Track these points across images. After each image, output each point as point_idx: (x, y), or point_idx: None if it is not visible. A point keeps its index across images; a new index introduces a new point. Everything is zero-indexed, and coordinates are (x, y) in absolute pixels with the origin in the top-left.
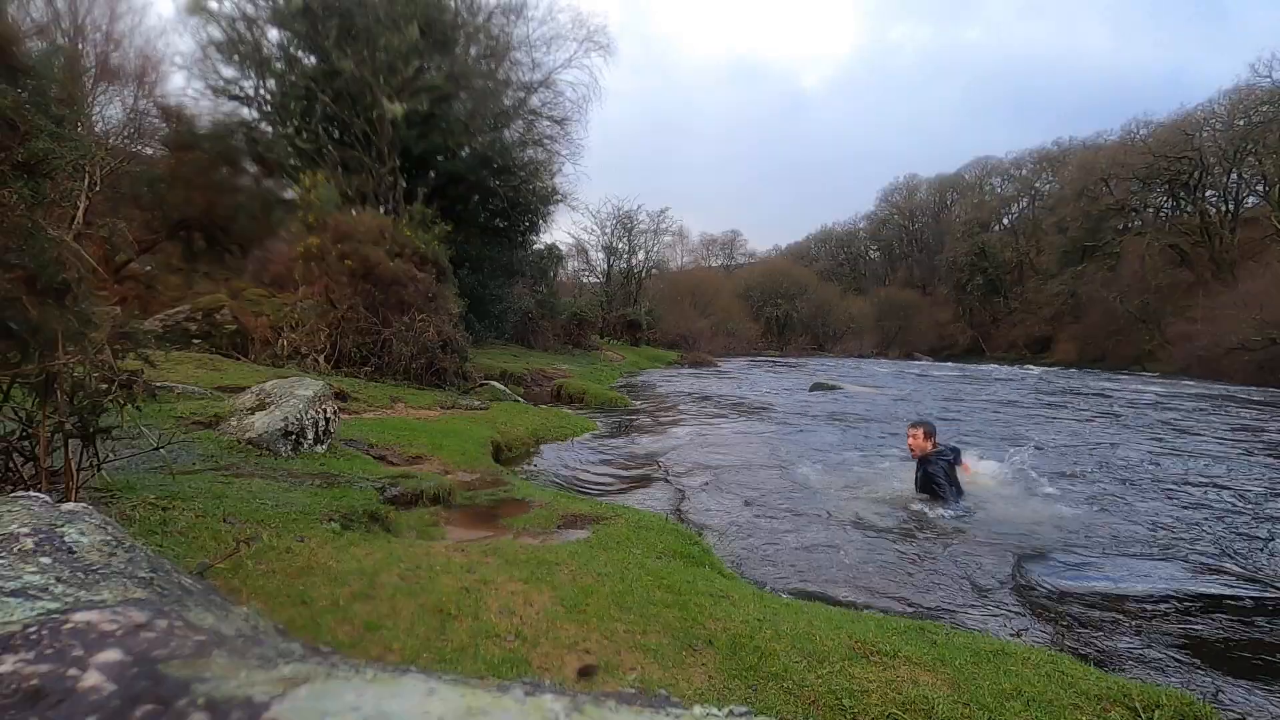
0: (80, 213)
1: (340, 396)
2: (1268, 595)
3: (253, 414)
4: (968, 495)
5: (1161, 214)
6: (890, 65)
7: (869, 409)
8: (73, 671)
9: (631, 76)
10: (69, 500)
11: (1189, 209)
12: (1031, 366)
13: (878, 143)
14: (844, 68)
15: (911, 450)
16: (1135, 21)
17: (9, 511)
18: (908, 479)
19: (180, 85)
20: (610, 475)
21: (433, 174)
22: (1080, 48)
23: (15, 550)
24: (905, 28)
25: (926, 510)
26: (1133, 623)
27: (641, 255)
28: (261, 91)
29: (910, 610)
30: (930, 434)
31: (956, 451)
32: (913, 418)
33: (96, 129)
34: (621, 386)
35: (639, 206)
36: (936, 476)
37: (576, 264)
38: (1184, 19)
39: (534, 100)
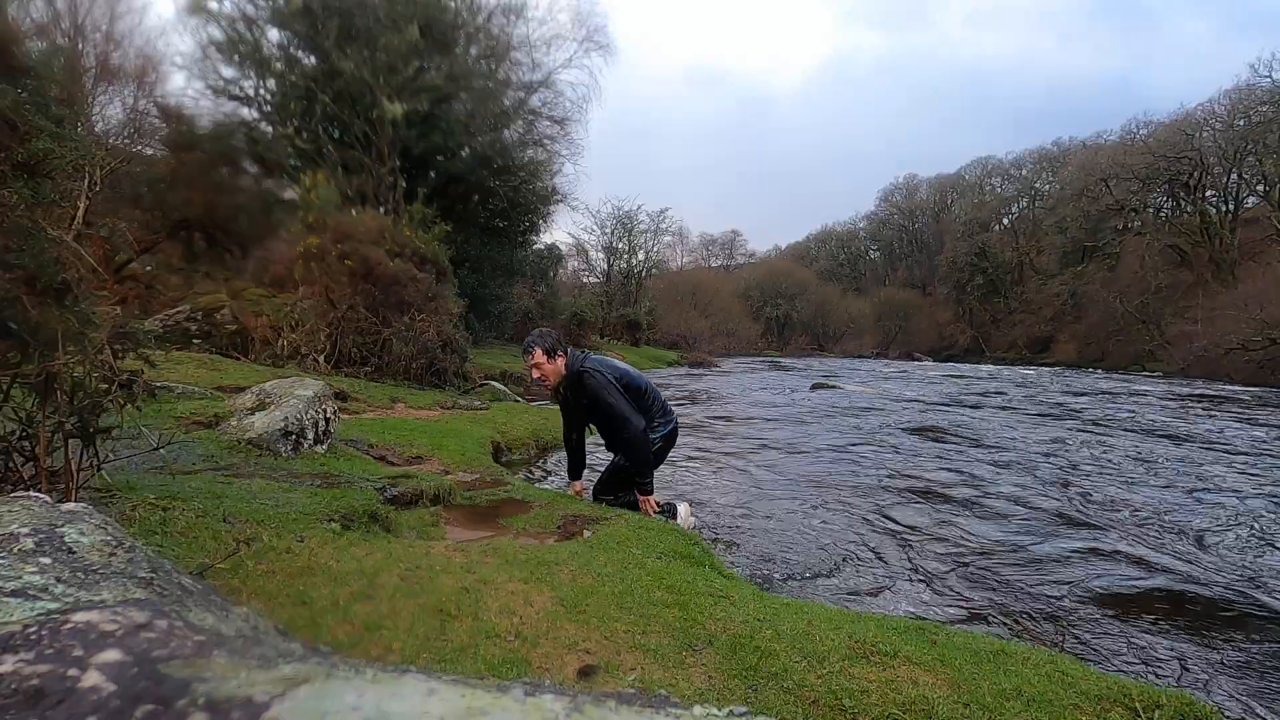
0: (80, 213)
1: (340, 396)
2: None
3: (253, 414)
4: None
5: (1161, 214)
6: (880, 69)
7: (866, 406)
8: (73, 671)
9: (631, 80)
10: (69, 500)
11: (1189, 209)
12: (1028, 368)
13: (875, 144)
14: (834, 71)
15: (544, 382)
16: (1080, 34)
17: (9, 511)
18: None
19: (180, 85)
20: None
21: (433, 174)
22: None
23: (15, 550)
24: (873, 35)
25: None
26: None
27: (641, 255)
28: (261, 91)
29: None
30: (553, 349)
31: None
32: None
33: (96, 129)
34: None
35: (639, 207)
36: (614, 405)
37: (576, 264)
38: (1121, 30)
39: (534, 100)
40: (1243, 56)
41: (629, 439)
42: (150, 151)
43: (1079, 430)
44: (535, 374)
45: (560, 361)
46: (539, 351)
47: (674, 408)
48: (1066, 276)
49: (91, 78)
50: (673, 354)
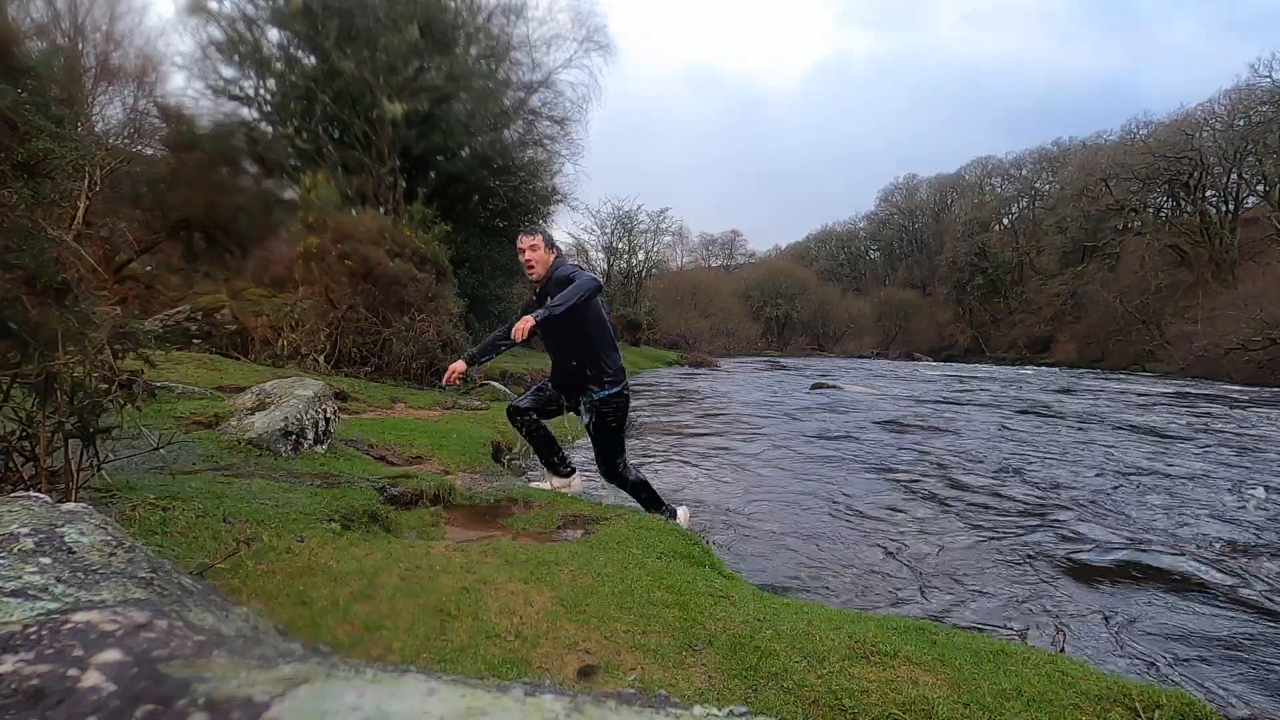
0: (80, 213)
1: (340, 396)
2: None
3: (253, 414)
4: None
5: (1161, 214)
6: (878, 71)
7: (864, 406)
8: (73, 671)
9: (631, 81)
10: (69, 500)
11: (1189, 209)
12: (1028, 368)
13: (875, 144)
14: (834, 71)
15: (530, 270)
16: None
17: (9, 511)
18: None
19: (180, 85)
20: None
21: (433, 174)
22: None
23: (15, 550)
24: (872, 35)
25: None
26: None
27: (641, 255)
28: (261, 91)
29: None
30: (551, 243)
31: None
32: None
33: (96, 129)
34: None
35: (639, 207)
36: (579, 270)
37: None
38: (1120, 30)
39: (534, 100)
40: (1242, 56)
41: (578, 285)
42: (150, 151)
43: (1076, 430)
44: (525, 255)
45: (552, 256)
46: (540, 237)
47: (673, 406)
48: (1066, 276)
49: (91, 78)
50: (673, 354)
